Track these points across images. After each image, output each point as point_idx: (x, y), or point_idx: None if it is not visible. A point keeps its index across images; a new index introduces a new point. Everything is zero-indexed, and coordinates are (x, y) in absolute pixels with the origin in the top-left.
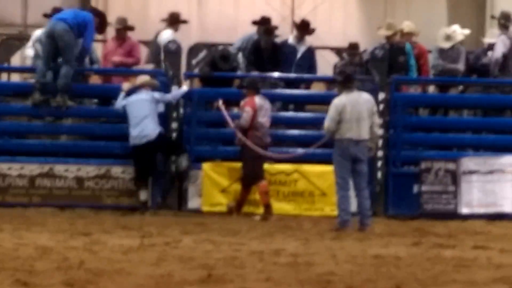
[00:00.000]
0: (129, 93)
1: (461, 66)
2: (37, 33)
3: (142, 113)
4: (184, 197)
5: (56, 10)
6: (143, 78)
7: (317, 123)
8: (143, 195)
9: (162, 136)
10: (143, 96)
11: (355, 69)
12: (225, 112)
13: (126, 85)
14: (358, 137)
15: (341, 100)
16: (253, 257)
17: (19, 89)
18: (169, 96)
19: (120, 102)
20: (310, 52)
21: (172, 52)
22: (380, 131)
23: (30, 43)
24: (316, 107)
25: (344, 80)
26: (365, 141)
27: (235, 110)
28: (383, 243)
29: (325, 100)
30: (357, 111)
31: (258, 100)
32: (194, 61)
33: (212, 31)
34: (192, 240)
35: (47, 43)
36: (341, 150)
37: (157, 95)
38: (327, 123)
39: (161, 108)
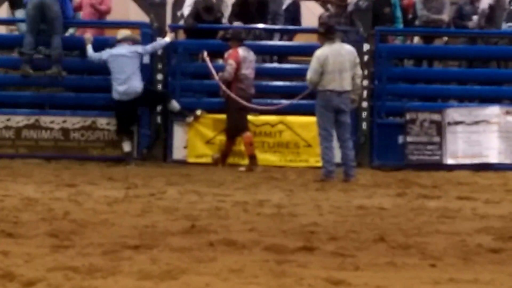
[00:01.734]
0: (111, 45)
1: (445, 16)
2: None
3: (128, 70)
4: (169, 148)
5: None
6: (125, 33)
7: (301, 74)
8: (127, 146)
9: (147, 89)
10: (126, 52)
11: (339, 20)
12: (209, 64)
13: (88, 37)
14: (341, 88)
15: (323, 52)
16: (237, 208)
17: (6, 41)
18: (149, 48)
19: (95, 54)
20: (295, 5)
21: (157, 4)
22: (361, 82)
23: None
24: (300, 58)
25: (326, 31)
26: (347, 92)
27: (220, 61)
28: (367, 194)
29: (308, 52)
30: (339, 62)
31: (241, 52)
32: (179, 13)
33: None
34: (177, 191)
35: (35, 14)
36: (323, 101)
37: (140, 49)
38: (310, 74)
39: (146, 59)
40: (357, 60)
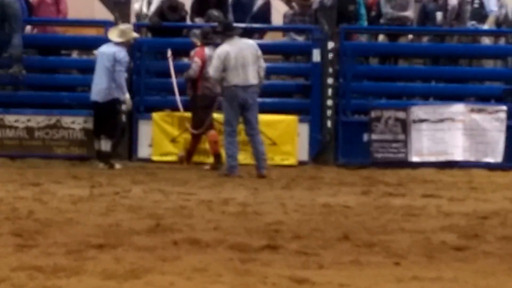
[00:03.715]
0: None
1: (410, 13)
2: None
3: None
4: (134, 146)
5: None
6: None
7: (268, 73)
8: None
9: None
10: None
11: (303, 18)
12: (170, 63)
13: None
14: (245, 83)
15: (224, 49)
16: (202, 207)
17: None
18: None
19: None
20: (267, 5)
21: (121, 2)
22: (264, 75)
23: None
24: (269, 57)
25: (223, 29)
26: (253, 86)
27: (185, 60)
28: (332, 192)
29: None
30: (241, 57)
31: (208, 50)
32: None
33: None
34: (142, 189)
35: None
36: (229, 97)
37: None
38: (211, 72)
39: None
40: (259, 53)
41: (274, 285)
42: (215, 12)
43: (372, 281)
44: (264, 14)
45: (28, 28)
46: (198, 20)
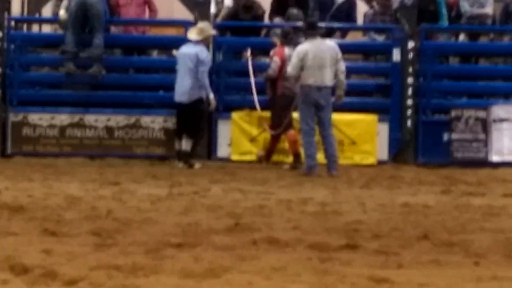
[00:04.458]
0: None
1: (489, 9)
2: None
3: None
4: (213, 146)
5: None
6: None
7: (348, 72)
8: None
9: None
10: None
11: (384, 18)
12: (249, 63)
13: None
14: (320, 84)
15: (304, 47)
16: (281, 206)
17: (50, 40)
18: None
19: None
20: (349, 3)
21: (201, 2)
22: (344, 78)
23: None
24: (349, 56)
25: (307, 27)
26: (327, 88)
27: (265, 59)
28: (412, 192)
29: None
30: (319, 58)
31: (287, 50)
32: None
33: None
34: (221, 189)
35: (78, 12)
36: (304, 96)
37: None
38: (289, 69)
39: None
40: (339, 55)
41: (353, 285)
42: (295, 11)
43: (451, 281)
44: (347, 12)
45: (112, 28)
46: (278, 20)
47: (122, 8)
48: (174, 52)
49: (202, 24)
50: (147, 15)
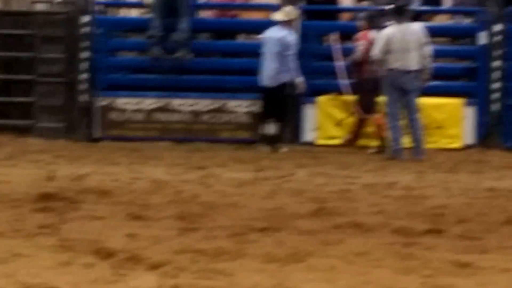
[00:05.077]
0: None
1: None
2: None
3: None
4: (299, 130)
5: None
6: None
7: (434, 55)
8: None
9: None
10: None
11: (470, 1)
12: (335, 47)
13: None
14: (405, 67)
15: (389, 31)
16: (365, 190)
17: (137, 24)
18: None
19: None
20: None
21: None
22: (430, 62)
23: None
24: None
25: (395, 11)
26: (413, 72)
27: (351, 43)
28: (498, 176)
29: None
30: (405, 42)
31: (372, 34)
32: None
33: None
34: (306, 173)
35: None
36: (389, 80)
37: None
38: (374, 52)
39: None
40: (425, 39)
41: (437, 269)
42: None
43: None
44: None
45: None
46: (365, 3)
47: None
48: (259, 36)
49: (287, 8)
50: None
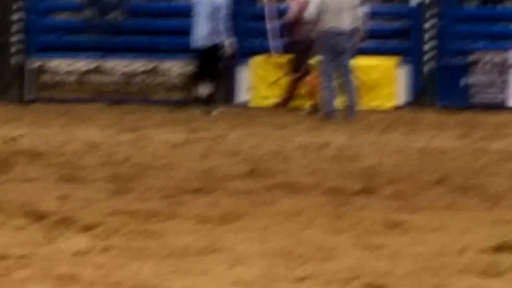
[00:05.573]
0: None
1: None
2: None
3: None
4: (232, 91)
5: None
6: None
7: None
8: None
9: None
10: None
11: None
12: (268, 8)
13: None
14: (339, 28)
15: None
16: (298, 151)
17: None
18: None
19: None
20: None
21: None
22: (361, 24)
23: None
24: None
25: None
26: (346, 32)
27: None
28: (430, 136)
29: None
30: (339, 2)
31: None
32: None
33: None
34: (239, 134)
35: None
36: (322, 41)
37: None
38: (307, 13)
39: None
40: (357, 1)
41: (368, 229)
42: None
43: (466, 225)
44: None
45: None
46: None
47: None
48: None
49: None
50: None
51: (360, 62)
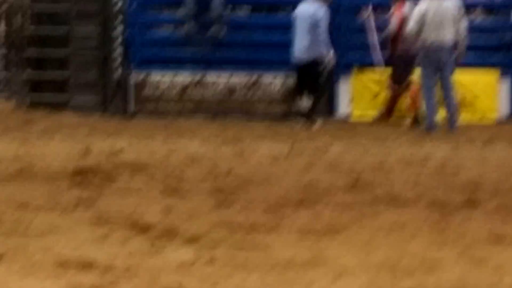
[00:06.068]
0: None
1: None
2: None
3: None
4: (334, 104)
5: None
6: None
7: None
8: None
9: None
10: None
11: None
12: (370, 20)
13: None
14: (440, 42)
15: (423, 5)
16: (400, 164)
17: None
18: None
19: None
20: None
21: None
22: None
23: None
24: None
25: None
26: (448, 46)
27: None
28: None
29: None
30: (440, 16)
31: (407, 7)
32: None
33: None
34: (341, 146)
35: None
36: (424, 54)
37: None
38: (409, 27)
39: None
40: (460, 13)
41: (473, 242)
42: None
43: None
44: None
45: None
46: None
47: None
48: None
49: None
50: None
51: (461, 76)
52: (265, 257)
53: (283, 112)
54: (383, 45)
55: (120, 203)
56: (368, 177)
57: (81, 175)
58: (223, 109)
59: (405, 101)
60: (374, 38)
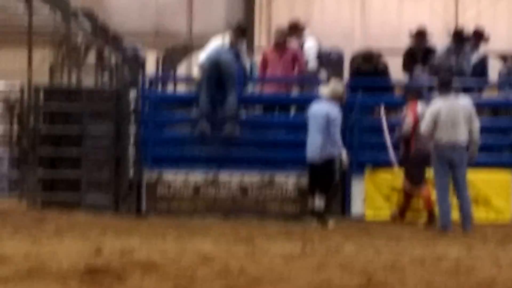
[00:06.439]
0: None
1: None
2: (202, 55)
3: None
4: (347, 203)
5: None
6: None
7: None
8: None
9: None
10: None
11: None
12: (383, 120)
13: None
14: (454, 141)
15: (436, 105)
16: (414, 263)
17: (185, 99)
18: None
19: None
20: (482, 61)
21: (334, 59)
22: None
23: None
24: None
25: (440, 85)
26: (462, 146)
27: (396, 117)
28: None
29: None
30: (452, 115)
31: (420, 107)
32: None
33: (375, 38)
34: (354, 246)
35: (212, 72)
36: (437, 154)
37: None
38: (422, 126)
39: None
40: (473, 113)
41: None
42: (420, 70)
43: None
44: (481, 70)
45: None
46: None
47: (270, 66)
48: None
49: (334, 83)
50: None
51: (475, 175)
52: None
53: (296, 211)
54: (396, 145)
55: None
56: (380, 277)
57: (92, 275)
58: (236, 208)
59: (419, 200)
60: (388, 137)
